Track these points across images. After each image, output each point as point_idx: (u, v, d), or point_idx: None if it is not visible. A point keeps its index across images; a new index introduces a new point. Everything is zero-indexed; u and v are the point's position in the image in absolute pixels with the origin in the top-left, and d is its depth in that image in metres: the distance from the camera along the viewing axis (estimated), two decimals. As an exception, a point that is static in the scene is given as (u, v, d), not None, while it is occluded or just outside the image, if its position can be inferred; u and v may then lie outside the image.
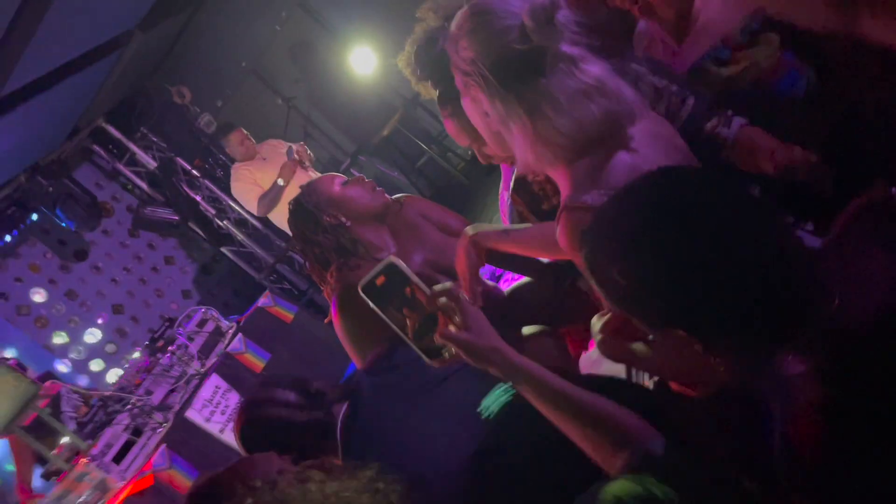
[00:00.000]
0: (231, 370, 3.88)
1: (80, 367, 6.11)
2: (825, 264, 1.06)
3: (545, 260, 2.02)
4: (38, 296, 5.58)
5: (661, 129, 1.47)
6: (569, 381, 1.15)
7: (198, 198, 6.27)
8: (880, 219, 1.11)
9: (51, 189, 5.66)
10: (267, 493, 1.01)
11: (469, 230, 1.73)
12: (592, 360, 1.58)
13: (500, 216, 2.11)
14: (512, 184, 1.94)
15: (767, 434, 1.02)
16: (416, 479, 1.31)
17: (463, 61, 1.42)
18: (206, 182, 6.31)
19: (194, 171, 6.26)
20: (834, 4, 0.77)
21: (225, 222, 6.33)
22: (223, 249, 6.50)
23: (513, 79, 1.37)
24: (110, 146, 6.24)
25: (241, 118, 5.66)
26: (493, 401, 1.31)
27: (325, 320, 2.12)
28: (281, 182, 4.85)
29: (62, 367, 5.96)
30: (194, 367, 3.92)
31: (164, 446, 3.50)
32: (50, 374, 4.55)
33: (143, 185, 6.35)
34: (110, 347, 6.26)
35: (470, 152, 2.16)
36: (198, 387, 3.79)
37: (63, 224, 5.84)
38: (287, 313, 4.28)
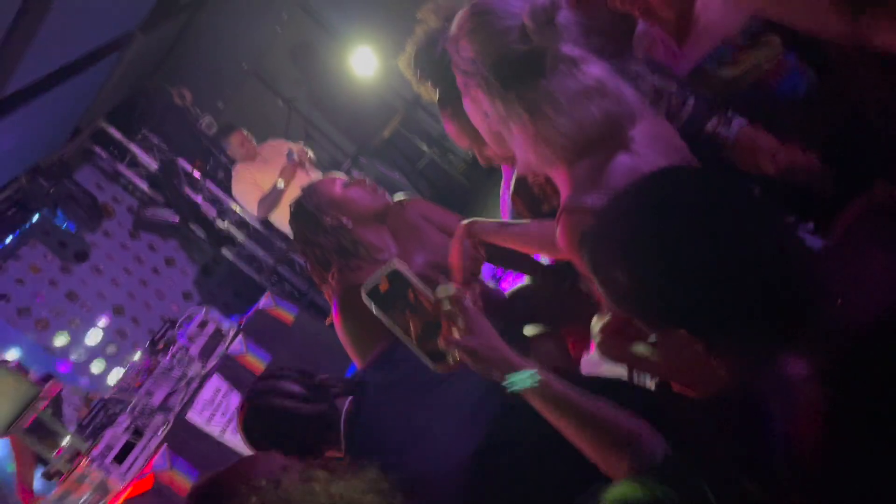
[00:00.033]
0: (232, 371, 3.88)
1: (81, 368, 6.11)
2: (827, 264, 1.06)
3: (545, 260, 2.02)
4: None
5: (661, 131, 1.47)
6: (570, 382, 1.15)
7: (198, 199, 6.27)
8: (882, 220, 1.11)
9: (52, 190, 5.66)
10: (272, 492, 1.01)
11: (465, 222, 1.73)
12: (593, 362, 1.58)
13: (500, 217, 2.11)
14: (512, 185, 1.94)
15: (768, 435, 1.02)
16: (419, 476, 1.31)
17: (463, 61, 1.42)
18: (207, 183, 6.31)
19: (195, 173, 6.26)
20: (838, 7, 0.77)
21: (226, 224, 6.33)
22: (224, 251, 6.50)
23: (513, 79, 1.37)
24: (111, 147, 6.24)
25: (241, 119, 5.66)
26: (521, 379, 1.28)
27: (326, 322, 2.12)
28: (281, 184, 4.85)
29: (63, 368, 5.95)
30: (195, 368, 3.92)
31: (164, 447, 3.50)
32: (51, 376, 4.55)
33: (144, 187, 6.35)
34: (111, 349, 6.26)
35: (470, 154, 2.16)
36: (198, 388, 3.79)
37: (64, 225, 5.85)
38: (288, 315, 4.28)
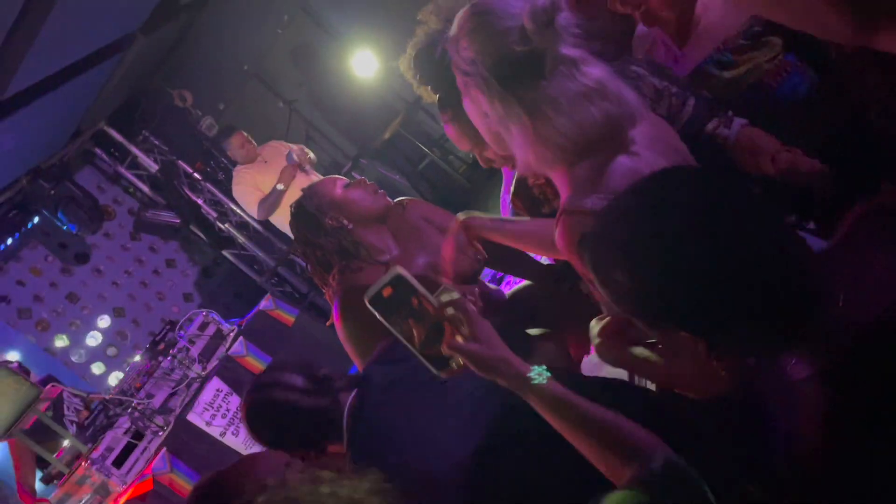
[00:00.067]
0: (232, 373, 3.87)
1: (81, 370, 6.11)
2: (828, 265, 1.06)
3: (545, 261, 2.02)
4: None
5: (661, 132, 1.47)
6: (572, 383, 1.14)
7: (199, 201, 6.28)
8: (884, 221, 1.11)
9: (52, 192, 5.67)
10: (278, 492, 1.00)
11: (461, 215, 1.71)
12: (594, 364, 1.57)
13: (501, 219, 2.10)
14: (513, 187, 1.93)
15: (769, 436, 1.02)
16: (420, 477, 1.31)
17: (463, 61, 1.41)
18: (208, 185, 6.31)
19: (196, 175, 6.26)
20: (838, 8, 0.77)
21: (226, 225, 6.33)
22: (224, 252, 6.50)
23: (513, 80, 1.36)
24: (112, 149, 6.25)
25: (242, 121, 5.66)
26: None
27: (327, 323, 2.12)
28: (280, 187, 4.85)
29: (63, 370, 5.95)
30: (195, 370, 3.92)
31: (164, 450, 3.50)
32: (51, 378, 4.55)
33: (145, 189, 6.36)
34: (111, 350, 6.26)
35: (471, 156, 2.16)
36: (199, 390, 3.79)
37: (64, 227, 5.85)
38: (288, 316, 4.28)
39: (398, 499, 1.02)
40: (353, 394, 1.58)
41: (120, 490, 3.50)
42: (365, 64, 5.75)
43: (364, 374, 1.59)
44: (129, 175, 6.31)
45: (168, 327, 4.53)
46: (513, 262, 2.06)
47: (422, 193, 6.17)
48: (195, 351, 4.05)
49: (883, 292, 0.94)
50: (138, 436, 3.67)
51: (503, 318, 1.93)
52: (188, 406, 3.70)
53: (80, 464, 3.59)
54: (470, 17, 1.41)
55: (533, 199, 1.86)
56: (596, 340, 1.22)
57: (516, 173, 1.87)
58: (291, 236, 2.29)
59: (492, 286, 2.21)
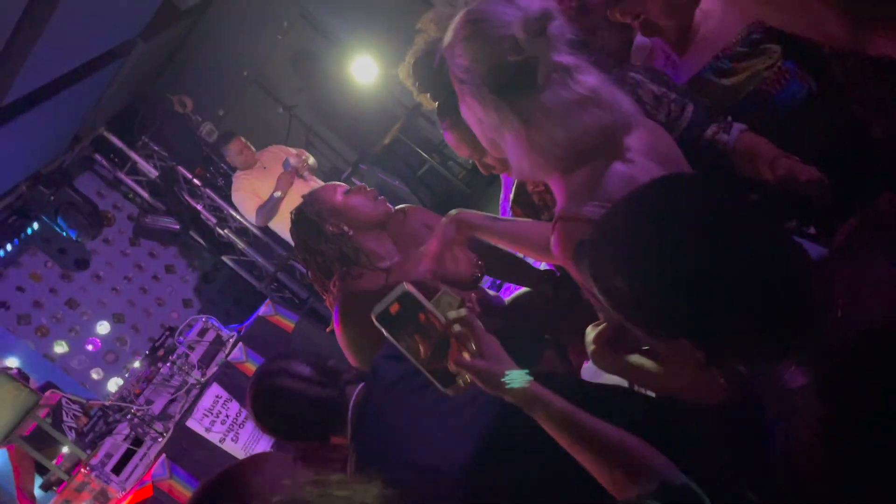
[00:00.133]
0: (232, 379, 3.87)
1: (81, 376, 6.10)
2: (828, 273, 1.06)
3: (544, 266, 2.02)
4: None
5: (657, 139, 1.47)
6: (572, 388, 1.14)
7: (199, 207, 6.28)
8: (884, 230, 1.11)
9: (52, 198, 5.67)
10: (291, 493, 1.00)
11: (453, 211, 1.70)
12: (594, 370, 1.57)
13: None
14: (512, 194, 1.94)
15: (768, 443, 1.02)
16: (421, 472, 1.31)
17: (458, 68, 1.42)
18: (208, 191, 6.32)
19: (195, 180, 6.27)
20: (838, 13, 0.77)
21: (226, 231, 6.33)
22: (224, 258, 6.50)
23: (506, 88, 1.36)
24: (112, 155, 6.25)
25: (242, 127, 5.67)
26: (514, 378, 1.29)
27: (327, 329, 2.12)
28: (278, 194, 4.84)
29: (62, 376, 5.94)
30: (195, 376, 3.91)
31: (164, 456, 3.49)
32: (50, 384, 4.54)
33: (145, 194, 6.36)
34: (111, 357, 6.25)
35: (471, 162, 2.16)
36: (198, 396, 3.78)
37: (64, 233, 5.84)
38: (288, 322, 4.27)
39: (402, 501, 1.02)
40: (360, 387, 1.59)
41: (119, 496, 3.49)
42: (364, 70, 5.76)
43: (372, 367, 1.59)
44: (128, 181, 6.31)
45: (167, 333, 4.53)
46: (511, 268, 2.06)
47: (421, 199, 6.18)
48: (195, 357, 4.04)
49: (878, 303, 0.94)
50: (137, 442, 3.66)
51: (502, 325, 1.93)
52: (187, 412, 3.69)
53: (80, 470, 3.58)
54: (464, 24, 1.41)
55: (533, 205, 1.87)
56: (591, 347, 1.22)
57: (515, 180, 1.87)
58: (291, 242, 2.28)
59: (491, 293, 2.21)
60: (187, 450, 3.57)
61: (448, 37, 1.45)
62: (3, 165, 4.60)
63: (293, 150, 5.17)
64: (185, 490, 3.39)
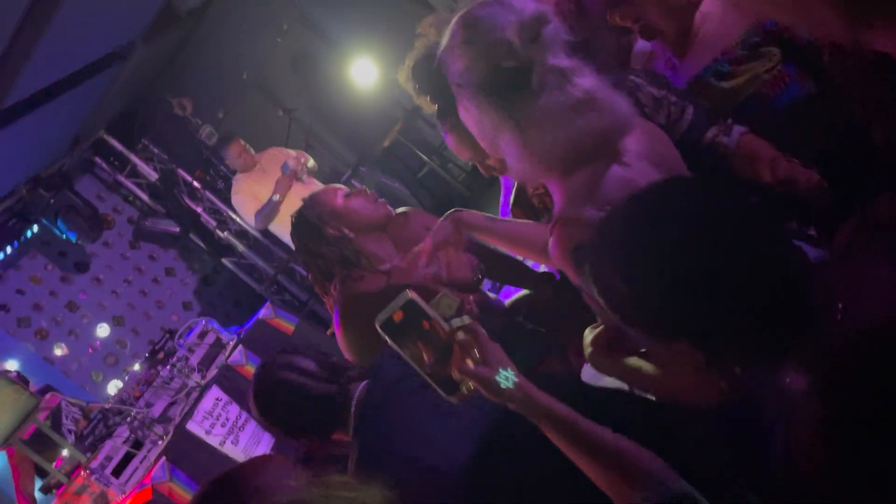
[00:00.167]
0: (232, 382, 3.87)
1: (81, 379, 6.09)
2: (827, 276, 1.06)
3: (543, 268, 2.02)
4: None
5: (655, 141, 1.47)
6: (572, 391, 1.14)
7: (199, 209, 6.28)
8: (884, 232, 1.12)
9: (52, 201, 5.67)
10: (295, 495, 1.00)
11: (451, 211, 1.70)
12: (594, 372, 1.57)
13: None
14: (512, 196, 1.94)
15: (768, 446, 1.02)
16: (422, 471, 1.31)
17: (455, 71, 1.42)
18: (207, 193, 6.32)
19: (195, 183, 6.27)
20: (838, 11, 0.78)
21: (226, 234, 6.33)
22: (224, 261, 6.50)
23: (502, 92, 1.36)
24: (111, 158, 6.26)
25: (242, 130, 5.67)
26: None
27: (328, 332, 2.12)
28: (276, 198, 4.83)
29: (62, 379, 5.94)
30: (195, 379, 3.91)
31: (163, 459, 3.48)
32: (50, 387, 4.54)
33: (145, 197, 6.37)
34: (111, 359, 6.25)
35: (470, 164, 2.16)
36: (198, 399, 3.77)
37: (64, 236, 5.85)
38: (288, 325, 4.27)
39: (403, 501, 1.02)
40: (363, 384, 1.59)
41: (119, 499, 3.49)
42: (364, 72, 5.76)
43: (377, 365, 1.60)
44: (128, 183, 6.32)
45: (167, 336, 4.53)
46: (511, 270, 2.06)
47: (421, 201, 6.18)
48: (194, 360, 4.04)
49: (878, 303, 0.94)
50: (137, 445, 3.66)
51: (503, 326, 1.93)
52: (187, 415, 3.69)
53: (79, 473, 3.58)
54: (460, 28, 1.41)
55: (533, 208, 1.87)
56: (588, 349, 1.22)
57: (515, 182, 1.87)
58: (292, 245, 2.29)
59: (491, 295, 2.22)
60: (187, 453, 3.56)
61: (445, 40, 1.45)
62: (3, 168, 4.61)
63: (293, 153, 5.16)
64: (185, 493, 3.39)
